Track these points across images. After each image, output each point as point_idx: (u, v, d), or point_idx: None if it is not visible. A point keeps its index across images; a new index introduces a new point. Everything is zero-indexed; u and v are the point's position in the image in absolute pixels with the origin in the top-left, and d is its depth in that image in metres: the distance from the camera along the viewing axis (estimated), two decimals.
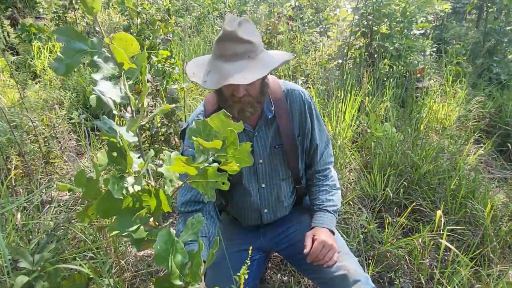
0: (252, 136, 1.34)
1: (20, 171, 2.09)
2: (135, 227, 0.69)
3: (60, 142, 2.35)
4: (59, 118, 2.55)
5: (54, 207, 1.77)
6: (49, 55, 3.64)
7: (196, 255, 0.71)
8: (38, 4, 5.78)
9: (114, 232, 0.68)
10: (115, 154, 0.67)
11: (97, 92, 0.65)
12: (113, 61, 0.65)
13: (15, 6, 4.65)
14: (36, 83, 3.32)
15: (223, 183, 0.72)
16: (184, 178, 0.76)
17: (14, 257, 1.20)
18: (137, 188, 0.68)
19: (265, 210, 1.43)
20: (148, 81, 2.29)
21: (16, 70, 3.41)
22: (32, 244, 1.48)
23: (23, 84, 3.12)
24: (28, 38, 4.12)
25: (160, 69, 2.65)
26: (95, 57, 0.64)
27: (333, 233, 1.34)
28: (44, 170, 2.11)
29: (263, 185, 1.40)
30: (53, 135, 2.34)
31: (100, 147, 2.45)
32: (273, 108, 1.32)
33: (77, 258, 1.47)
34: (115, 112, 0.70)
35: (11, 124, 2.20)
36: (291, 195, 1.48)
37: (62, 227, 1.61)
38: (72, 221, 1.71)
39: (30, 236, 1.56)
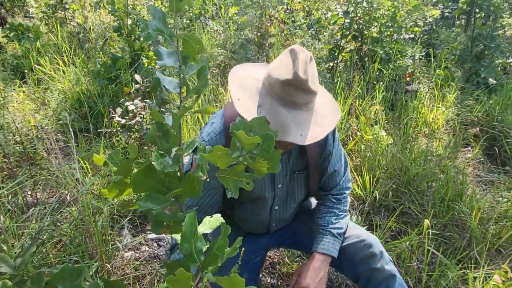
0: None
1: (5, 172, 2.05)
2: (162, 206, 0.73)
3: (46, 144, 2.31)
4: (46, 118, 2.51)
5: (39, 210, 1.73)
6: (37, 56, 3.59)
7: (219, 240, 0.74)
8: (27, 4, 5.70)
9: (142, 207, 0.71)
10: (159, 134, 0.73)
11: (159, 76, 0.72)
12: (176, 56, 0.71)
13: (3, 5, 4.57)
14: (23, 84, 3.26)
15: (247, 184, 0.75)
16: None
17: None
18: (174, 168, 0.72)
19: (273, 225, 1.43)
20: (137, 83, 2.27)
21: (4, 71, 3.35)
22: (16, 248, 1.44)
23: (10, 84, 3.07)
24: (17, 37, 4.05)
25: (150, 70, 2.63)
26: (161, 48, 0.72)
27: (333, 258, 1.30)
28: (30, 171, 2.07)
29: (276, 207, 1.38)
30: (39, 136, 2.30)
31: (88, 149, 2.42)
32: None
33: (61, 262, 1.45)
34: (164, 96, 0.77)
35: None
36: (299, 208, 1.48)
37: (47, 230, 1.58)
38: (58, 224, 1.68)
39: (14, 240, 1.53)
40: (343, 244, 1.34)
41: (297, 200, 1.39)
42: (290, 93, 1.06)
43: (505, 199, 2.18)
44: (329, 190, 1.38)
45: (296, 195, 1.37)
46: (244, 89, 1.12)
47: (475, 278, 1.61)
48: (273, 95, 1.08)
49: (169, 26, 0.73)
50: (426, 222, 1.66)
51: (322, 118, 1.13)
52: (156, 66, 2.65)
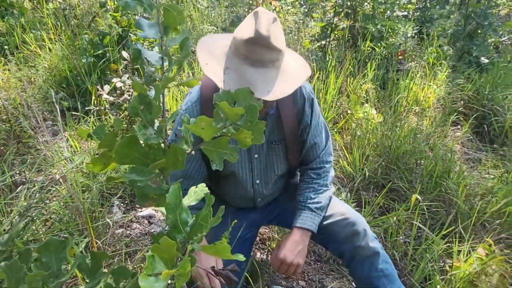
0: None
1: None
2: (145, 178, 0.73)
3: (33, 122, 2.28)
4: (32, 97, 2.47)
5: (28, 188, 1.72)
6: (22, 33, 3.49)
7: (203, 211, 0.75)
8: None
9: (127, 179, 0.72)
10: (141, 106, 0.73)
11: (139, 47, 0.72)
12: (157, 28, 0.71)
13: None
14: (8, 62, 3.19)
15: (232, 156, 0.75)
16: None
17: None
18: (157, 140, 0.73)
19: (259, 199, 1.44)
20: (125, 59, 2.23)
21: None
22: (4, 225, 1.44)
23: None
24: (1, 14, 3.93)
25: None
26: (142, 19, 0.70)
27: (312, 232, 1.31)
28: (17, 150, 2.05)
29: (258, 181, 1.38)
30: (25, 115, 2.26)
31: (77, 127, 2.39)
32: (275, 104, 1.26)
33: None
34: (148, 70, 0.77)
35: None
36: (284, 185, 1.49)
37: (36, 208, 1.57)
38: (46, 202, 1.67)
39: (2, 218, 1.52)
40: (327, 222, 1.36)
41: (277, 172, 1.39)
42: (255, 51, 1.07)
43: (492, 176, 2.22)
44: (309, 163, 1.39)
45: (276, 167, 1.37)
46: (212, 55, 1.13)
47: (459, 251, 1.65)
48: (239, 56, 1.10)
49: None
50: (414, 196, 1.69)
51: (291, 76, 1.14)
52: (144, 42, 2.60)
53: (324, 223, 1.36)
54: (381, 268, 1.29)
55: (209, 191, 0.80)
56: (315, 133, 1.34)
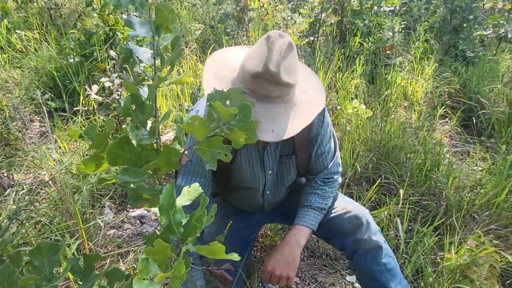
0: (263, 148, 1.26)
1: None
2: (138, 179, 0.72)
3: (20, 124, 2.24)
4: (18, 98, 2.42)
5: (16, 191, 1.69)
6: (7, 33, 3.42)
7: (197, 212, 0.74)
8: None
9: (119, 180, 0.71)
10: (134, 107, 0.71)
11: (130, 46, 0.71)
12: (148, 26, 0.69)
13: None
14: None
15: (226, 155, 0.74)
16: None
17: None
18: (150, 141, 0.72)
19: (267, 205, 1.45)
20: (113, 59, 2.20)
21: None
22: None
23: None
24: None
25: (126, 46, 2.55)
26: (133, 17, 0.69)
27: (312, 230, 1.32)
28: (4, 152, 2.01)
29: (268, 192, 1.38)
30: (12, 117, 2.22)
31: (65, 128, 2.36)
32: None
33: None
34: (139, 69, 0.75)
35: None
36: (291, 189, 1.49)
37: (25, 211, 1.55)
38: (36, 204, 1.65)
39: None
40: (331, 215, 1.36)
41: (287, 184, 1.40)
42: (261, 86, 1.01)
43: (480, 168, 2.26)
44: (317, 174, 1.37)
45: (286, 179, 1.38)
46: (219, 79, 1.08)
47: (450, 243, 1.67)
48: (245, 88, 1.03)
49: None
50: (402, 191, 1.70)
51: (302, 110, 1.08)
52: (132, 41, 2.56)
53: (327, 217, 1.35)
54: (384, 262, 1.29)
55: (200, 188, 0.79)
56: (323, 143, 1.31)
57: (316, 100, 1.14)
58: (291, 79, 1.04)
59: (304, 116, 1.08)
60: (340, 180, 1.42)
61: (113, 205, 1.99)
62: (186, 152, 1.23)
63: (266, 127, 1.00)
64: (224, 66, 1.12)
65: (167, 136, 2.23)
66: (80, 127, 2.25)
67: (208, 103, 0.70)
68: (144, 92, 0.78)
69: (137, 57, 0.76)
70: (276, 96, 1.04)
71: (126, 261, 1.63)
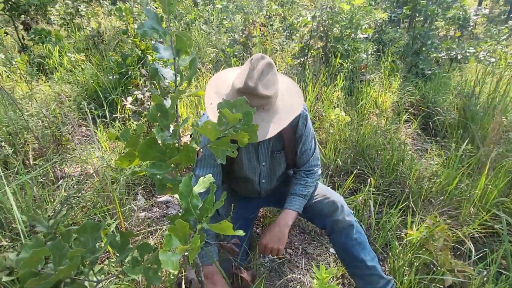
0: (257, 145, 1.28)
1: (37, 152, 1.98)
2: (163, 172, 0.72)
3: (70, 128, 2.23)
4: (69, 107, 2.41)
5: (67, 181, 1.69)
6: (59, 56, 3.43)
7: (208, 197, 0.73)
8: (49, 12, 5.38)
9: (148, 173, 0.71)
10: (159, 114, 0.72)
11: (157, 66, 0.72)
12: (171, 50, 0.69)
13: (27, 13, 4.29)
14: (48, 79, 3.12)
15: (233, 152, 0.74)
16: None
17: (31, 223, 1.14)
18: (172, 141, 0.72)
19: (263, 192, 1.44)
20: (144, 76, 2.19)
21: (31, 67, 3.18)
22: (49, 212, 1.41)
23: (37, 79, 2.93)
24: (41, 40, 3.84)
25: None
26: (158, 44, 0.70)
27: (298, 213, 1.32)
28: (57, 150, 2.01)
29: (263, 181, 1.38)
30: (63, 122, 2.22)
31: (106, 131, 2.35)
32: None
33: None
34: (166, 83, 0.77)
35: (27, 114, 2.07)
36: (282, 179, 1.48)
37: (74, 197, 1.55)
38: (83, 192, 1.64)
39: (47, 206, 1.49)
40: (313, 201, 1.36)
41: (278, 174, 1.39)
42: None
43: (436, 162, 2.24)
44: (301, 167, 1.38)
45: (277, 170, 1.37)
46: (218, 94, 1.10)
47: (412, 222, 1.66)
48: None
49: (164, 26, 0.72)
50: (373, 180, 1.69)
51: (280, 116, 1.09)
52: (159, 62, 2.56)
53: (311, 202, 1.35)
54: (355, 237, 1.28)
55: (212, 178, 0.79)
56: (306, 142, 1.32)
57: (293, 107, 1.15)
58: (269, 92, 1.04)
59: (282, 121, 1.09)
60: (319, 171, 1.41)
61: (144, 192, 1.99)
62: (201, 150, 1.24)
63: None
64: (222, 84, 1.13)
65: (186, 137, 2.22)
66: (118, 130, 2.25)
67: (218, 110, 0.70)
68: (167, 102, 0.78)
69: (162, 75, 0.76)
70: (257, 106, 1.05)
71: (155, 237, 1.62)
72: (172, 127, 0.77)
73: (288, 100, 1.16)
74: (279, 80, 1.15)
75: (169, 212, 1.88)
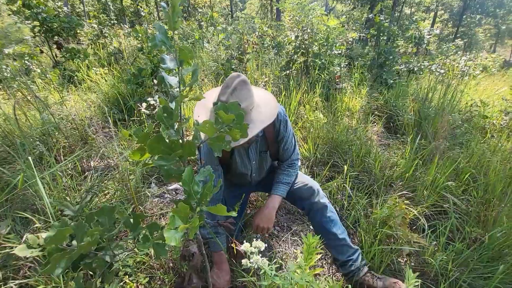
0: (247, 148, 1.28)
1: (67, 149, 1.94)
2: (169, 163, 0.71)
3: (94, 129, 2.20)
4: (94, 112, 2.37)
5: (92, 173, 1.66)
6: (86, 70, 3.36)
7: (207, 184, 0.72)
8: (78, 33, 5.28)
9: (158, 164, 0.70)
10: (165, 114, 0.70)
11: (163, 75, 0.71)
12: (175, 62, 0.68)
13: (60, 34, 4.22)
14: (77, 89, 3.07)
15: (227, 146, 0.73)
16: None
17: (60, 207, 1.12)
18: (176, 137, 0.71)
19: (253, 182, 1.43)
20: (156, 85, 2.16)
21: (63, 79, 3.12)
22: (76, 198, 1.39)
23: (67, 89, 2.87)
24: (71, 57, 3.77)
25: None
26: (165, 55, 0.69)
27: (283, 197, 1.32)
28: (83, 147, 1.97)
29: (254, 175, 1.37)
30: (89, 124, 2.18)
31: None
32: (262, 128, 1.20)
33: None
34: (171, 89, 0.73)
35: (58, 117, 2.03)
36: (269, 170, 1.47)
37: (98, 186, 1.52)
38: (105, 181, 1.62)
39: (75, 194, 1.47)
40: (294, 187, 1.36)
41: (265, 168, 1.40)
42: None
43: (396, 155, 2.25)
44: (284, 161, 1.38)
45: (264, 165, 1.38)
46: (205, 109, 1.08)
47: (376, 203, 1.67)
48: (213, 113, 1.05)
49: (170, 40, 0.70)
50: (346, 167, 1.68)
51: (254, 125, 1.06)
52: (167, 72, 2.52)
53: (292, 188, 1.35)
54: (328, 216, 1.29)
55: (211, 169, 0.78)
56: (287, 142, 1.32)
57: (267, 117, 1.10)
58: (241, 105, 1.01)
59: (255, 129, 1.05)
60: (299, 163, 1.42)
61: (157, 181, 1.96)
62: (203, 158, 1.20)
63: (228, 138, 1.01)
64: (209, 100, 1.11)
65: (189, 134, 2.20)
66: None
67: (215, 112, 0.69)
68: (172, 105, 0.77)
69: (168, 82, 0.75)
70: None
71: (166, 219, 1.61)
72: (176, 126, 0.76)
73: (262, 112, 1.12)
74: (258, 94, 1.12)
75: (178, 198, 1.86)
